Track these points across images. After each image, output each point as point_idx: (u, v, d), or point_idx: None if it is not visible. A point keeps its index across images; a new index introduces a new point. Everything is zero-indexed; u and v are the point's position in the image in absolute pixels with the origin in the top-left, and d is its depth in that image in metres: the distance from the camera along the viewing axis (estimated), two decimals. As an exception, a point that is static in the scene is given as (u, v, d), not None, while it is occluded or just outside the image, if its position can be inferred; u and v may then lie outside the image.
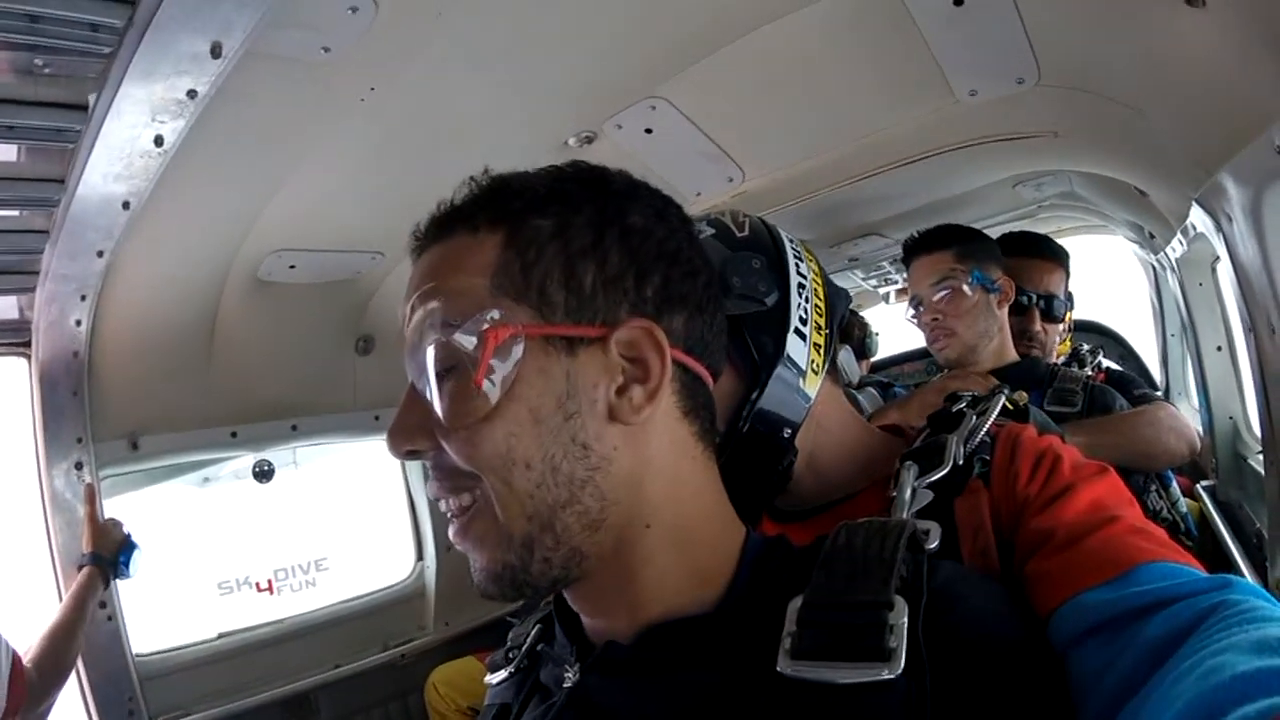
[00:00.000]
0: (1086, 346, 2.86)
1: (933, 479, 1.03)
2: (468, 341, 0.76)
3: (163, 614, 2.89)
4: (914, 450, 1.10)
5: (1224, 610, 0.64)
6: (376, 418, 3.29)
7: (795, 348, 1.12)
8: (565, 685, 0.86)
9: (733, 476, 0.90)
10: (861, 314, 4.49)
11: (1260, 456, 2.31)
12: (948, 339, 2.35)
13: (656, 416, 0.79)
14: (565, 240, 0.79)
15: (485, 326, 0.75)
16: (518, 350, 0.76)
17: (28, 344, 2.35)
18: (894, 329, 4.69)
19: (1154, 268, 3.80)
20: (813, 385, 1.13)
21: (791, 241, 1.20)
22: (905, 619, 0.68)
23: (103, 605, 2.42)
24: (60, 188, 1.83)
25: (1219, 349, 3.02)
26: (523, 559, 0.77)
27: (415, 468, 3.44)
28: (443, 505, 0.83)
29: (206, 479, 3.73)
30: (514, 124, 2.11)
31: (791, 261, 1.16)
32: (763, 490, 1.17)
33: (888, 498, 1.05)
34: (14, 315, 2.34)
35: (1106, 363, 2.99)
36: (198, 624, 2.91)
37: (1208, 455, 3.16)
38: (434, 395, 0.77)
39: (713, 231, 1.16)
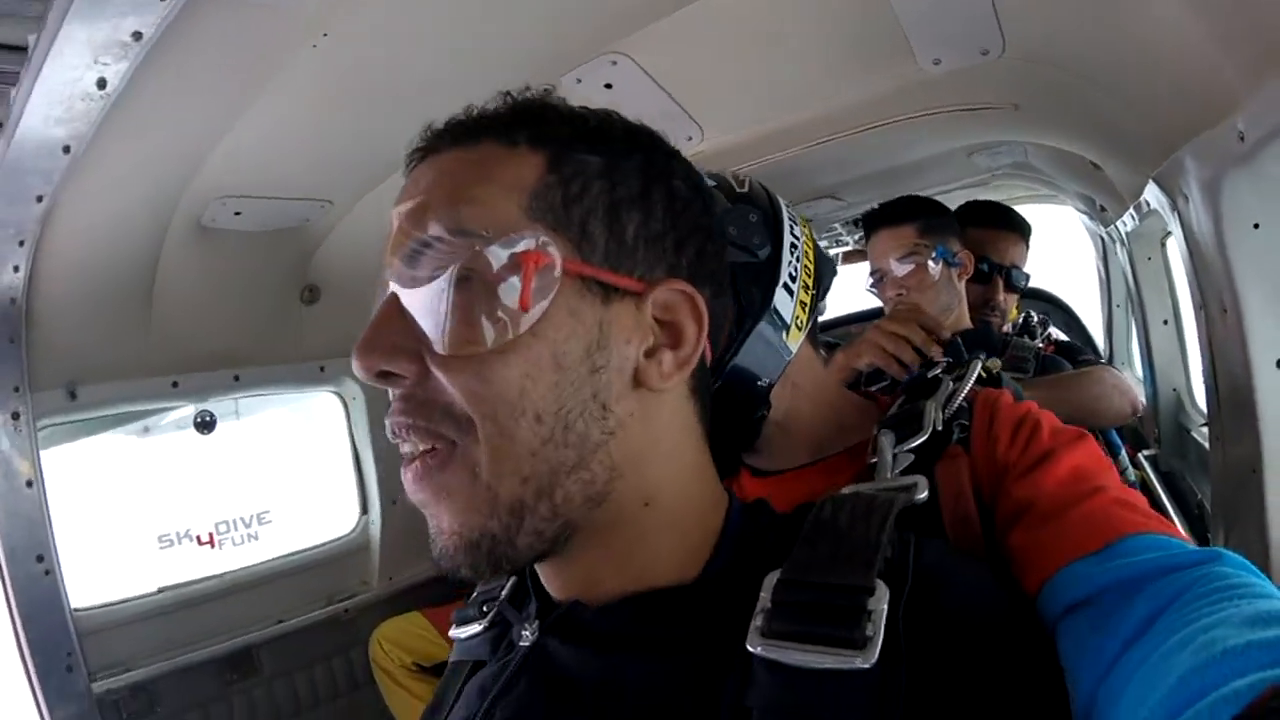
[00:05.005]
0: (1036, 317, 2.91)
1: (912, 445, 1.03)
2: (498, 257, 0.67)
3: (102, 567, 2.83)
4: (891, 417, 1.10)
5: (1215, 582, 0.64)
6: (322, 369, 3.23)
7: (782, 301, 1.12)
8: (522, 644, 0.80)
9: None
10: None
11: (1204, 430, 2.36)
12: None
13: (672, 390, 0.75)
14: (613, 182, 0.74)
15: (524, 247, 0.68)
16: (552, 283, 0.68)
17: (-37, 290, 2.24)
18: (844, 289, 4.69)
19: (1103, 239, 3.87)
20: (795, 340, 1.14)
21: (787, 206, 1.21)
22: (885, 605, 0.65)
23: (40, 559, 2.35)
24: (-3, 130, 1.75)
25: (1165, 322, 3.10)
26: (508, 528, 0.68)
27: (361, 418, 3.38)
28: (404, 446, 0.72)
29: (147, 429, 3.65)
30: (469, 74, 2.03)
31: (786, 222, 1.17)
32: (731, 442, 1.17)
33: (866, 464, 1.05)
34: (-50, 261, 2.23)
35: (1056, 334, 3.06)
36: (138, 578, 2.85)
37: (1150, 425, 3.26)
38: (439, 311, 0.68)
39: (714, 183, 1.16)
